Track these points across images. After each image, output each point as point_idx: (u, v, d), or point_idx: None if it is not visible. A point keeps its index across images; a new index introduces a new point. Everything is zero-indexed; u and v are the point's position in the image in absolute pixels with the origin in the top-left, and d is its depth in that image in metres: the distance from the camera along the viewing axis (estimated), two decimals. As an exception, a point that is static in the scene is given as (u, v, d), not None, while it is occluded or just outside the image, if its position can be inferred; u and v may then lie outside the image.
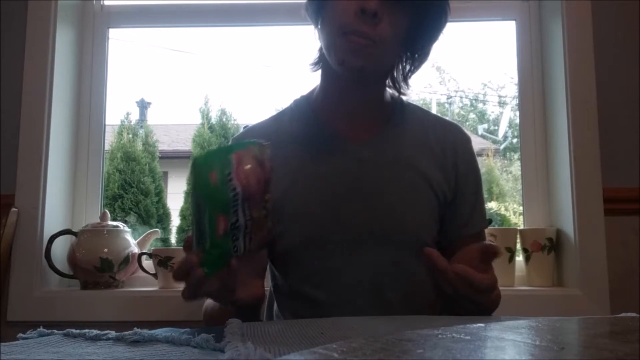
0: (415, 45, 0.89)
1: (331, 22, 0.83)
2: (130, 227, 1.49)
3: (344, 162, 0.90)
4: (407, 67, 0.93)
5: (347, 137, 0.92)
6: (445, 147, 0.95)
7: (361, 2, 0.79)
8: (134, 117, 2.57)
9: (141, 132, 2.07)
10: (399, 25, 0.83)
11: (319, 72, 0.95)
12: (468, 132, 1.01)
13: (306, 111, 0.96)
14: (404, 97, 0.98)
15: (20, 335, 0.60)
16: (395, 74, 0.93)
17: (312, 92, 0.98)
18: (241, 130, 1.03)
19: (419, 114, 0.99)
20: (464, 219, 0.94)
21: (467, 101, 4.06)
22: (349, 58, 0.82)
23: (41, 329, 0.62)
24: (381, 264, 0.87)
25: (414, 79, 0.95)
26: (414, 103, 1.03)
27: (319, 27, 0.88)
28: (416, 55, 0.91)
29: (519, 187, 1.63)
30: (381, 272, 0.87)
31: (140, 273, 1.46)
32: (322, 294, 0.88)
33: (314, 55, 0.94)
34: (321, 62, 0.93)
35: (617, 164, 1.40)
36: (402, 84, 0.94)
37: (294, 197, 0.88)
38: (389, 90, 0.96)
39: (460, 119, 3.93)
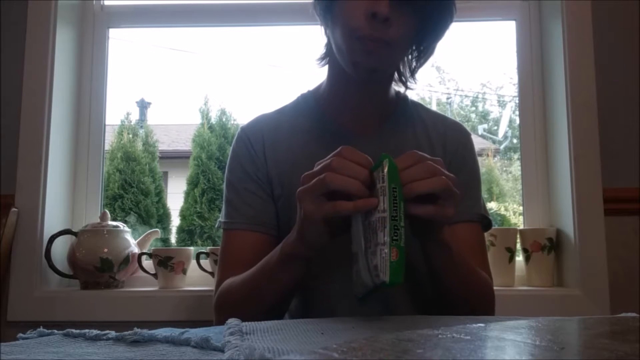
0: (422, 42, 0.91)
1: (342, 25, 0.84)
2: (130, 227, 1.49)
3: None
4: (414, 63, 0.95)
5: (351, 130, 0.94)
6: (445, 143, 0.98)
7: (372, 6, 0.79)
8: (134, 117, 2.57)
9: (141, 132, 2.07)
10: (409, 25, 0.84)
11: (320, 70, 0.97)
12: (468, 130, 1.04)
13: (312, 104, 0.99)
14: (407, 93, 1.00)
15: (20, 335, 0.60)
16: (402, 69, 0.95)
17: (318, 87, 1.01)
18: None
19: (421, 111, 1.01)
20: None
21: (467, 101, 4.06)
22: (362, 60, 0.84)
23: (41, 329, 0.61)
24: None
25: (418, 74, 0.97)
26: (417, 101, 1.06)
27: (329, 25, 0.89)
28: (423, 52, 0.93)
29: (519, 187, 1.63)
30: None
31: (140, 273, 1.46)
32: (318, 284, 0.89)
33: (321, 50, 0.95)
34: (328, 57, 0.95)
35: (617, 164, 1.40)
36: (409, 79, 0.96)
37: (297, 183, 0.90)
38: (394, 88, 0.99)
39: (460, 118, 3.93)
